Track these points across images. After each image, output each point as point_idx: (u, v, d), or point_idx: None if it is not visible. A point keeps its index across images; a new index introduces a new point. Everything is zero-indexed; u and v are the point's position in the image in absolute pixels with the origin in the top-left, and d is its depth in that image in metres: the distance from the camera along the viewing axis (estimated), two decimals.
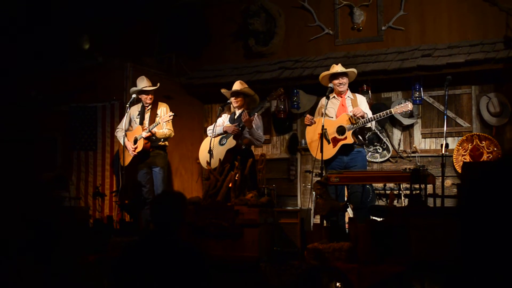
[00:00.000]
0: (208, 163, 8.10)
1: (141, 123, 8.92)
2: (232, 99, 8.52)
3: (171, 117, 8.62)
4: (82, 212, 8.69)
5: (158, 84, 9.08)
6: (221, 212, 7.32)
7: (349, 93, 8.12)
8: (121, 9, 11.05)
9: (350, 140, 7.74)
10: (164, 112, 8.97)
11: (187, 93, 11.00)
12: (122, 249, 4.70)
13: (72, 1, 11.00)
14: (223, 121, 8.62)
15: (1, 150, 10.12)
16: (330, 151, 7.85)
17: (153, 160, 8.94)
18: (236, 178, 7.54)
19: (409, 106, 7.64)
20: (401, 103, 7.80)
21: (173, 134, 8.98)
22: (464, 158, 9.33)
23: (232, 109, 8.70)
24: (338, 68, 8.10)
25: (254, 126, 8.28)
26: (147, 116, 8.98)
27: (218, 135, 8.46)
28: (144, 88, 8.92)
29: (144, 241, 4.36)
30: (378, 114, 7.68)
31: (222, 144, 8.32)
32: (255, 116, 8.35)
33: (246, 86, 8.62)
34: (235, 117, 8.52)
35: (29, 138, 10.23)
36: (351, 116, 7.77)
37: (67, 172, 10.04)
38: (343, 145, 7.81)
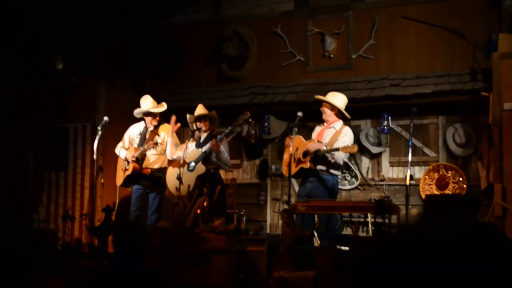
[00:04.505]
0: (177, 189, 8.15)
1: (141, 144, 8.85)
2: (199, 124, 8.56)
3: (156, 146, 8.59)
4: (51, 234, 8.71)
5: (165, 105, 9.04)
6: (189, 238, 7.41)
7: (336, 124, 8.21)
8: (95, 30, 11.10)
9: (306, 165, 7.88)
10: (165, 136, 8.87)
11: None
12: (89, 276, 4.77)
13: (47, 20, 11.02)
14: (189, 147, 8.62)
15: None
16: (293, 170, 8.02)
17: (150, 183, 8.88)
18: (205, 205, 7.63)
19: (354, 149, 7.68)
20: (350, 144, 7.85)
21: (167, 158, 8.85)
22: (430, 188, 9.49)
23: (196, 134, 8.70)
24: (329, 96, 8.25)
25: (222, 150, 8.37)
26: (147, 137, 8.93)
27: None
28: (150, 110, 8.90)
29: (110, 267, 4.44)
30: (326, 150, 7.80)
31: (191, 170, 8.37)
32: (222, 140, 8.45)
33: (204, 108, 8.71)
34: (201, 141, 8.59)
35: (1, 157, 10.21)
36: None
37: (37, 192, 10.02)
38: (305, 170, 7.95)
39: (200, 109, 8.65)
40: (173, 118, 8.70)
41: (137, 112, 9.00)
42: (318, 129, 8.32)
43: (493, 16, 9.53)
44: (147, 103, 8.94)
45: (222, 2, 11.49)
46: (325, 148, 7.85)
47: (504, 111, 8.36)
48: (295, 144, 8.04)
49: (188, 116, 8.69)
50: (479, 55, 9.46)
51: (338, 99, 8.23)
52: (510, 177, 8.17)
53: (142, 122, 9.06)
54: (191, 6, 11.64)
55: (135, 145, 8.89)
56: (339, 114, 8.21)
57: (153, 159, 8.85)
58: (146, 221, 8.68)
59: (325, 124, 8.24)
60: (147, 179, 8.81)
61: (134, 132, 9.07)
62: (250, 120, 8.67)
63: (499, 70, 8.48)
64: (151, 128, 8.96)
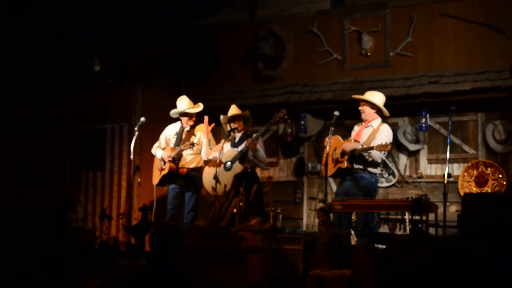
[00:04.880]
0: (214, 189, 8.14)
1: (178, 144, 8.84)
2: (233, 124, 8.56)
3: (192, 146, 8.61)
4: (89, 234, 8.78)
5: (201, 106, 9.06)
6: (225, 237, 7.41)
7: (374, 122, 8.10)
8: (132, 31, 11.19)
9: (344, 165, 7.82)
10: (201, 136, 8.89)
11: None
12: (126, 276, 4.80)
13: (84, 22, 11.14)
14: (221, 146, 8.61)
15: (11, 170, 10.25)
16: (330, 170, 8.01)
17: (186, 182, 8.87)
18: (241, 204, 7.62)
19: (388, 147, 7.57)
20: (388, 142, 7.74)
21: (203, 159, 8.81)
22: (469, 185, 9.36)
23: (231, 134, 8.67)
24: (365, 94, 8.21)
25: (258, 148, 8.35)
26: (184, 137, 8.91)
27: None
28: (186, 110, 8.95)
29: (147, 269, 4.46)
30: (363, 148, 7.73)
31: (228, 169, 8.35)
32: (258, 139, 8.43)
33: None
34: (235, 141, 8.58)
35: (39, 159, 10.35)
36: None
37: (75, 192, 10.13)
38: (343, 169, 7.89)
39: (233, 110, 8.65)
40: (206, 118, 8.70)
41: (173, 113, 9.03)
42: (356, 128, 8.25)
43: None
44: (183, 103, 8.96)
45: (257, 2, 11.51)
46: (360, 147, 7.80)
47: None
48: (333, 144, 7.99)
49: (221, 117, 8.68)
50: None
51: (377, 97, 8.13)
52: None
53: (179, 122, 9.07)
54: (226, 7, 11.68)
55: (172, 145, 8.91)
56: (378, 112, 8.10)
57: (189, 158, 8.85)
58: (182, 220, 8.70)
59: (363, 123, 8.16)
60: (183, 179, 8.81)
61: (170, 132, 9.10)
62: (286, 118, 8.63)
63: None
64: (188, 128, 8.97)
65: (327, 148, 7.94)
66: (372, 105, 8.06)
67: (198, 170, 8.83)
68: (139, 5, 10.89)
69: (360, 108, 8.10)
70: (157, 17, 11.22)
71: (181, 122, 9.03)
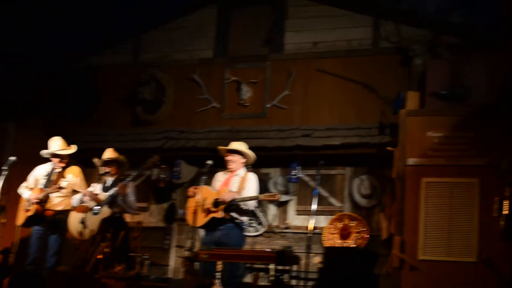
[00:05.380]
0: (80, 234, 8.04)
1: (47, 185, 8.71)
2: (107, 168, 8.52)
3: (60, 189, 8.50)
4: None
5: (74, 148, 8.93)
6: (88, 284, 7.31)
7: (240, 171, 8.31)
8: (10, 67, 10.97)
9: (220, 215, 7.93)
10: (76, 175, 8.79)
11: (69, 155, 10.92)
12: None
13: None
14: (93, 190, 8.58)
15: None
16: (201, 220, 8.09)
17: (51, 225, 8.72)
18: (106, 250, 7.55)
19: (276, 197, 7.86)
20: (271, 192, 8.05)
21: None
22: (334, 237, 9.61)
23: (102, 178, 8.66)
24: (233, 145, 8.38)
25: (128, 193, 8.33)
26: (53, 178, 8.82)
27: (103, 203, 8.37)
28: (58, 152, 8.77)
29: None
30: (248, 197, 7.91)
31: (95, 213, 8.28)
32: (130, 183, 8.41)
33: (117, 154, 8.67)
34: (106, 185, 8.52)
35: None
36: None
37: None
38: (214, 219, 7.97)
39: (107, 153, 8.63)
40: None
41: (44, 153, 8.90)
42: (221, 177, 8.36)
43: (404, 73, 9.81)
44: (55, 144, 8.86)
45: (141, 46, 11.55)
46: (237, 196, 7.95)
47: (408, 166, 8.61)
48: (202, 194, 8.06)
49: (96, 160, 8.63)
50: (388, 110, 9.72)
51: (246, 148, 8.35)
52: (410, 230, 8.38)
53: (50, 163, 8.94)
54: (110, 48, 11.66)
55: (41, 186, 8.75)
56: (243, 162, 8.30)
57: (57, 200, 8.73)
58: (45, 264, 8.52)
59: (228, 173, 8.31)
60: (49, 221, 8.67)
61: (40, 172, 8.95)
62: (158, 163, 8.68)
63: (405, 126, 8.76)
64: (59, 169, 8.84)
65: (197, 197, 8.01)
66: (242, 155, 8.24)
67: (65, 213, 8.70)
68: (18, 40, 10.70)
69: (230, 158, 8.25)
70: (38, 54, 11.05)
71: (52, 163, 8.90)
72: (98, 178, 8.66)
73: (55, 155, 8.84)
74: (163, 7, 11.56)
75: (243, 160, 8.38)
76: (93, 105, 11.35)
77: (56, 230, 8.69)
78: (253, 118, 10.60)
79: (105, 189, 8.51)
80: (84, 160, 10.99)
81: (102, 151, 9.42)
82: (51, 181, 8.75)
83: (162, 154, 10.04)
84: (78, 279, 7.41)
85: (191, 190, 8.27)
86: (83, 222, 8.14)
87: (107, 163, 8.54)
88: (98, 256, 7.57)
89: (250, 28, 11.06)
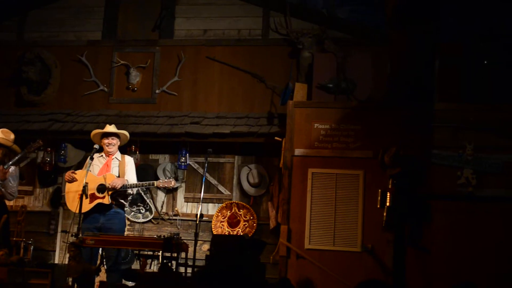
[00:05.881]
0: None
1: None
2: None
3: None
4: None
5: None
6: None
7: (117, 154, 8.31)
8: None
9: (107, 201, 7.86)
10: None
11: None
12: None
13: None
14: None
15: None
16: (86, 206, 7.96)
17: None
18: None
19: (172, 183, 7.93)
20: (167, 178, 8.10)
21: None
22: (222, 225, 9.71)
23: None
24: (110, 128, 8.28)
25: (9, 178, 8.06)
26: None
27: None
28: None
29: None
30: (141, 183, 7.92)
31: None
32: (12, 168, 8.14)
33: (9, 136, 8.37)
34: None
35: None
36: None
37: None
38: (99, 204, 7.89)
39: None
40: None
41: None
42: (98, 161, 8.25)
43: (292, 64, 10.01)
44: None
45: (26, 24, 11.17)
46: (126, 182, 7.91)
47: (295, 156, 8.81)
48: (81, 179, 7.94)
49: None
50: (277, 101, 9.91)
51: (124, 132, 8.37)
52: (296, 219, 8.60)
53: None
54: None
55: None
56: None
57: None
58: None
59: (106, 157, 8.26)
60: None
61: None
62: (41, 148, 8.45)
63: (293, 117, 8.94)
64: None
65: (84, 182, 7.87)
66: (122, 139, 8.24)
67: None
68: None
69: (110, 141, 8.28)
70: None
71: None
72: None
73: None
74: None
75: (119, 143, 8.38)
76: None
77: None
78: (141, 103, 10.52)
79: None
80: None
81: None
82: None
83: (47, 137, 9.85)
84: None
85: (68, 174, 8.14)
86: None
87: None
88: None
89: (139, 12, 10.97)
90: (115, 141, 8.29)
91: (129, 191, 8.07)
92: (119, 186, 7.87)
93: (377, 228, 8.04)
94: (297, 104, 9.03)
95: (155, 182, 7.97)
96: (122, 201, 8.10)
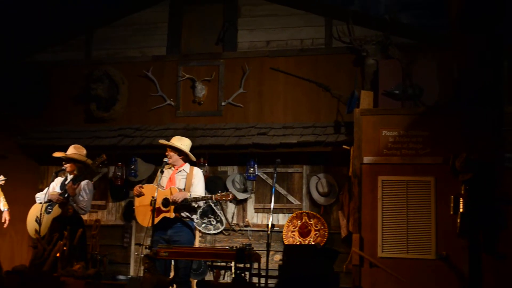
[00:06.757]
0: (37, 232, 7.92)
1: None
2: (64, 164, 8.41)
3: (3, 182, 8.39)
4: None
5: None
6: (46, 283, 7.19)
7: (185, 166, 8.23)
8: None
9: (171, 215, 7.87)
10: None
11: (23, 153, 10.78)
12: None
13: None
14: (54, 186, 8.48)
15: None
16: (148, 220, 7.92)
17: None
18: (64, 248, 7.45)
19: (230, 196, 7.87)
20: (224, 192, 8.06)
21: None
22: (293, 235, 9.71)
23: (65, 174, 8.58)
24: (162, 141, 8.29)
25: (79, 194, 8.21)
26: None
27: (46, 202, 8.29)
28: None
29: None
30: (200, 197, 7.87)
31: (49, 212, 8.20)
32: (84, 183, 8.29)
33: (81, 151, 8.52)
34: (66, 182, 8.41)
35: None
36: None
37: None
38: (164, 218, 7.92)
39: (69, 150, 8.50)
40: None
41: None
42: (166, 173, 8.26)
43: (357, 72, 9.97)
44: None
45: (93, 43, 11.42)
46: (189, 196, 7.89)
47: (364, 164, 8.76)
48: (148, 193, 7.99)
49: (56, 154, 8.53)
50: (343, 109, 9.88)
51: (183, 143, 8.25)
52: (368, 228, 8.54)
53: None
54: (61, 44, 11.50)
55: None
56: (185, 158, 8.24)
57: None
58: None
59: (172, 168, 8.24)
60: None
61: None
62: (105, 162, 8.56)
63: (360, 125, 8.90)
64: None
65: (155, 195, 7.91)
66: (179, 152, 8.18)
67: None
68: None
69: (167, 153, 8.19)
70: None
71: None
72: (54, 175, 8.54)
73: None
74: (115, 3, 11.49)
75: (182, 157, 8.26)
76: (45, 102, 11.18)
77: None
78: (208, 116, 10.63)
79: (62, 187, 8.40)
80: (37, 156, 10.89)
81: (56, 147, 9.34)
82: None
83: (118, 152, 10.03)
84: (35, 278, 7.27)
85: (136, 189, 8.18)
86: (38, 220, 8.04)
87: (64, 159, 8.41)
88: (56, 255, 7.45)
89: (202, 26, 11.09)
90: (171, 153, 8.23)
91: (194, 204, 8.03)
92: (179, 200, 7.83)
93: (451, 235, 7.90)
94: (363, 112, 8.99)
95: (213, 196, 7.91)
96: (189, 214, 8.08)
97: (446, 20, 10.11)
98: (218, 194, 7.93)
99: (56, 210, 8.19)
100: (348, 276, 8.55)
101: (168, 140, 8.29)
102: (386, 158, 8.74)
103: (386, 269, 8.30)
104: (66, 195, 8.17)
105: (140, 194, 8.11)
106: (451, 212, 7.63)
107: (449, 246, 8.17)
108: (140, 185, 8.24)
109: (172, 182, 8.12)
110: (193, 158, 8.27)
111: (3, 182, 8.48)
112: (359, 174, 8.75)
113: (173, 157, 8.18)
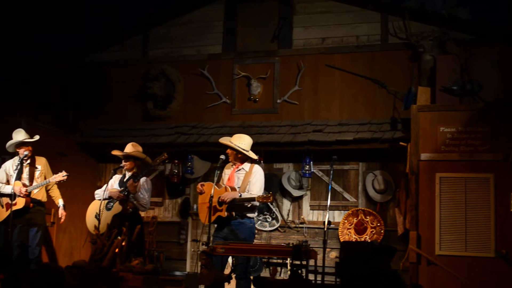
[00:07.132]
0: (96, 228, 8.05)
1: (19, 178, 8.67)
2: (123, 162, 8.52)
3: (65, 178, 8.54)
4: None
5: (38, 137, 8.89)
6: (105, 278, 7.30)
7: (245, 164, 8.11)
8: (19, 63, 10.96)
9: (224, 214, 7.80)
10: (45, 165, 8.84)
11: (81, 151, 10.97)
12: None
13: None
14: (113, 184, 8.60)
15: None
16: (211, 217, 7.88)
17: (32, 217, 8.74)
18: (123, 244, 7.55)
19: (270, 199, 7.71)
20: (265, 193, 7.93)
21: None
22: (349, 232, 9.67)
23: (123, 171, 8.69)
24: (223, 140, 8.21)
25: (139, 191, 8.30)
26: (26, 170, 8.79)
27: (106, 199, 8.39)
28: (25, 140, 8.75)
29: None
30: (242, 198, 7.76)
31: (109, 209, 8.29)
32: (143, 180, 8.38)
33: (138, 148, 8.61)
34: (124, 180, 8.51)
35: None
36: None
37: None
38: (219, 217, 7.90)
39: (126, 148, 8.59)
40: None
41: (9, 145, 8.85)
42: (228, 171, 8.22)
43: (414, 68, 9.86)
44: (20, 134, 8.84)
45: (149, 42, 11.56)
46: (239, 196, 7.80)
47: (421, 161, 8.65)
48: (208, 191, 7.95)
49: (114, 152, 8.64)
50: (399, 105, 9.78)
51: (242, 142, 8.09)
52: (425, 225, 8.42)
53: (16, 157, 8.89)
54: (118, 44, 11.68)
55: (13, 180, 8.70)
56: (244, 156, 8.09)
57: (35, 192, 8.77)
58: (28, 256, 8.60)
59: (233, 166, 8.20)
60: (28, 214, 8.71)
61: (8, 166, 8.90)
62: (167, 161, 8.62)
63: (417, 121, 8.79)
64: (28, 161, 8.81)
65: (211, 193, 7.90)
66: (237, 150, 8.07)
67: (43, 204, 8.86)
68: (29, 38, 10.69)
69: (227, 151, 8.08)
70: (47, 49, 11.04)
71: (19, 156, 8.84)
72: (113, 172, 8.65)
73: (20, 145, 8.79)
74: (170, 3, 11.61)
75: (240, 155, 8.12)
76: (103, 101, 11.37)
77: (36, 222, 8.73)
78: (263, 113, 10.66)
79: (121, 184, 8.51)
80: (95, 154, 11.07)
81: (113, 145, 9.48)
82: (23, 173, 8.74)
83: (174, 149, 10.12)
84: (95, 273, 7.39)
85: (198, 187, 8.17)
86: (97, 216, 8.16)
87: (124, 157, 8.52)
88: (116, 250, 7.56)
89: (257, 24, 11.10)
90: (230, 152, 8.16)
91: (246, 204, 7.94)
92: (228, 200, 7.78)
93: (511, 233, 7.76)
94: (421, 108, 8.88)
95: (255, 197, 7.81)
96: (241, 213, 7.98)
97: (505, 15, 9.93)
98: (260, 196, 7.80)
99: (117, 207, 8.28)
100: (405, 274, 8.45)
101: (229, 137, 8.23)
102: (444, 155, 8.60)
103: (444, 267, 8.19)
104: (126, 193, 8.27)
105: (201, 192, 8.09)
106: (511, 210, 7.51)
107: (509, 244, 8.00)
108: (202, 183, 8.19)
109: (230, 181, 8.07)
110: (254, 156, 8.20)
111: (65, 177, 8.62)
112: (416, 171, 8.64)
113: (232, 155, 8.15)
